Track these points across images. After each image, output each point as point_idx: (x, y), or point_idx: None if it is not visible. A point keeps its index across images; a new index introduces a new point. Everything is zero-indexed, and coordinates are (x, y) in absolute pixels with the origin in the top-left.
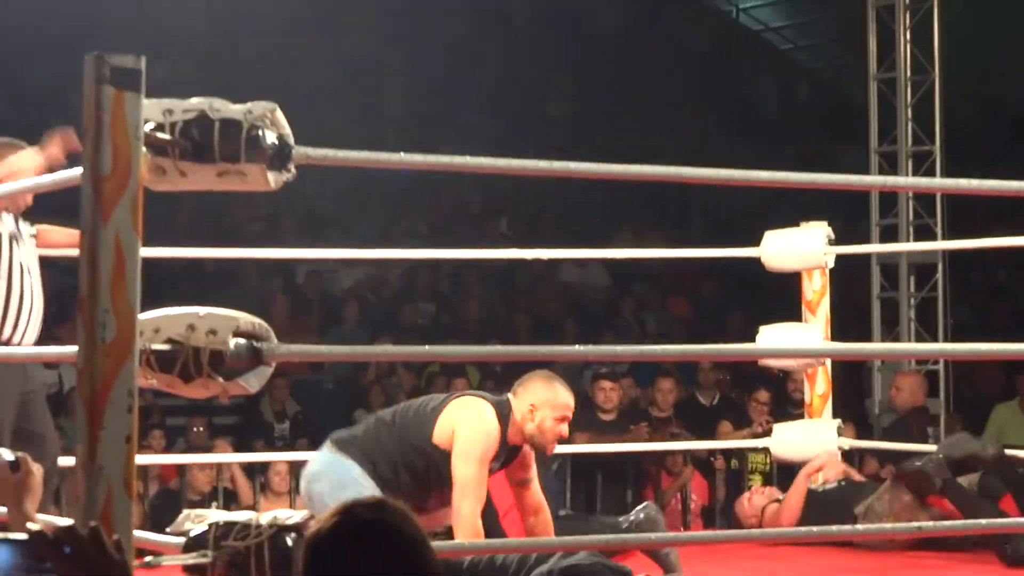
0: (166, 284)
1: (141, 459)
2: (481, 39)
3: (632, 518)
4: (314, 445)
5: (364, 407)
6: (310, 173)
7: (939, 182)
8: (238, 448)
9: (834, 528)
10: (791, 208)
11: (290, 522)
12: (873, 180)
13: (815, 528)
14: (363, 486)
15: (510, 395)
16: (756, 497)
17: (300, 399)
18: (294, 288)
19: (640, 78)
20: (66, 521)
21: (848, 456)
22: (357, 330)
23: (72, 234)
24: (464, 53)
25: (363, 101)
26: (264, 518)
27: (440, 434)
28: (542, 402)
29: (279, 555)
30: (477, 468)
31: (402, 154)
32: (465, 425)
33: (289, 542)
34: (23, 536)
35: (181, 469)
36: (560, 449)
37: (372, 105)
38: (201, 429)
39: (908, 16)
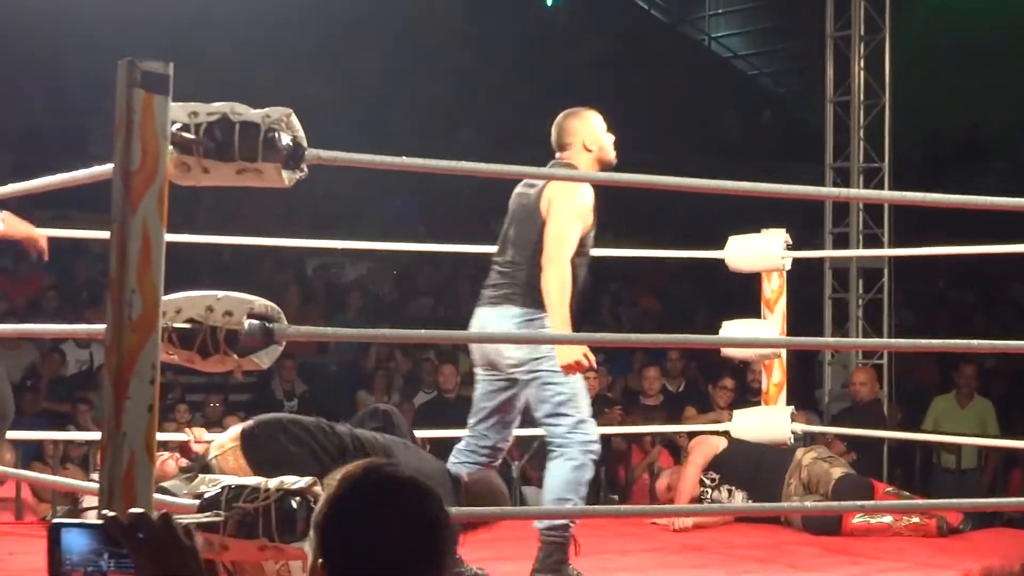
0: (187, 276)
1: (162, 436)
2: (478, 61)
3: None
4: None
5: (364, 389)
6: (320, 177)
7: (888, 194)
8: None
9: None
10: (752, 218)
11: (295, 487)
12: (828, 191)
13: (809, 504)
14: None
15: (561, 156)
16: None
17: (307, 379)
18: (303, 280)
19: (621, 101)
20: (138, 509)
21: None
22: (360, 319)
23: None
24: (462, 74)
25: (368, 116)
26: (271, 483)
27: (543, 211)
28: (588, 132)
29: (284, 516)
30: (572, 224)
31: (404, 158)
32: (561, 193)
33: (294, 505)
34: (98, 522)
35: None
36: (541, 431)
37: (377, 120)
38: (217, 405)
39: (862, 46)
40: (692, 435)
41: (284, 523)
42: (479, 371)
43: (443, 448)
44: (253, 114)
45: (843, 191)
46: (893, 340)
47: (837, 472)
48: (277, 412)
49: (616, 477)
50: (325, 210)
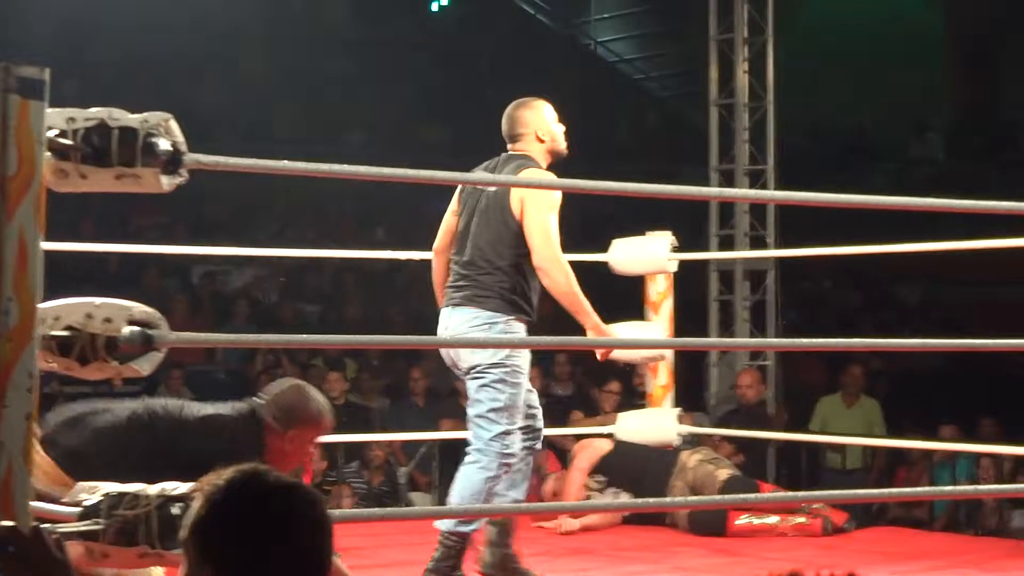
0: (72, 285)
1: None
2: (362, 67)
3: None
4: None
5: (253, 396)
6: (204, 183)
7: (770, 194)
8: None
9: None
10: (638, 222)
11: (176, 493)
12: (712, 191)
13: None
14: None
15: (514, 148)
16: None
17: (194, 388)
18: (189, 288)
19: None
20: (7, 522)
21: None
22: (247, 327)
23: None
24: (347, 80)
25: (255, 122)
26: (152, 490)
27: (516, 212)
28: (540, 123)
29: (165, 523)
30: (550, 217)
31: (285, 161)
32: (532, 192)
33: (175, 511)
34: None
35: None
36: (429, 436)
37: (263, 126)
38: None
39: (746, 49)
40: (578, 439)
41: (165, 530)
42: (458, 374)
43: (329, 452)
44: (131, 119)
45: (727, 191)
46: (777, 340)
47: (723, 474)
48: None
49: None
50: (209, 217)
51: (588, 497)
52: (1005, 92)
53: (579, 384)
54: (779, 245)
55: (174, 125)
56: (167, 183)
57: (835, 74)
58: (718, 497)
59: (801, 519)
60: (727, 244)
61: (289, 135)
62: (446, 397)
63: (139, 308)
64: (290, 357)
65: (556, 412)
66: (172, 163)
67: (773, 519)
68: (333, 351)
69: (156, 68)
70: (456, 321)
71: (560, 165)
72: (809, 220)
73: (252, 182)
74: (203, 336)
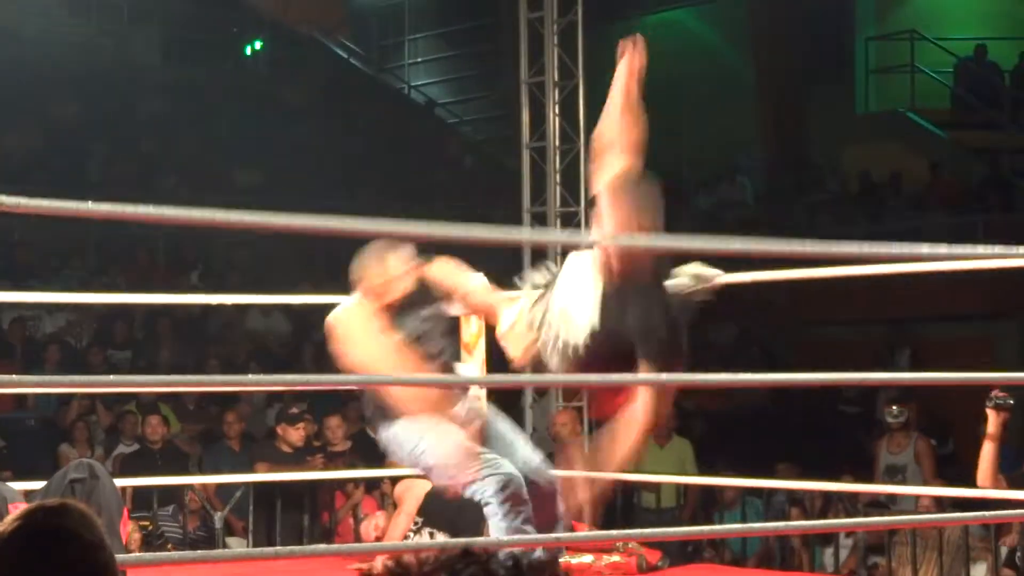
0: None
1: None
2: (176, 108)
3: None
4: (17, 477)
5: (66, 442)
6: (15, 227)
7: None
8: None
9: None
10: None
11: None
12: (526, 234)
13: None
14: None
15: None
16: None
17: (5, 435)
18: None
19: (323, 148)
20: None
21: None
22: (58, 372)
23: None
24: (160, 121)
25: (64, 165)
26: None
27: None
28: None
29: None
30: None
31: (90, 203)
32: None
33: None
34: None
35: None
36: (243, 479)
37: (73, 168)
38: None
39: (557, 92)
40: (395, 481)
41: None
42: None
43: (145, 497)
44: None
45: (539, 234)
46: (592, 376)
47: None
48: None
49: (321, 522)
50: (19, 260)
51: (405, 538)
52: (812, 136)
53: None
54: None
55: None
56: None
57: (646, 118)
58: (531, 536)
59: (616, 557)
60: None
61: (101, 179)
62: (261, 440)
63: None
64: (104, 403)
65: (373, 454)
66: None
67: (588, 558)
68: (148, 397)
69: None
70: None
71: (374, 207)
72: None
73: (64, 227)
74: (13, 378)
